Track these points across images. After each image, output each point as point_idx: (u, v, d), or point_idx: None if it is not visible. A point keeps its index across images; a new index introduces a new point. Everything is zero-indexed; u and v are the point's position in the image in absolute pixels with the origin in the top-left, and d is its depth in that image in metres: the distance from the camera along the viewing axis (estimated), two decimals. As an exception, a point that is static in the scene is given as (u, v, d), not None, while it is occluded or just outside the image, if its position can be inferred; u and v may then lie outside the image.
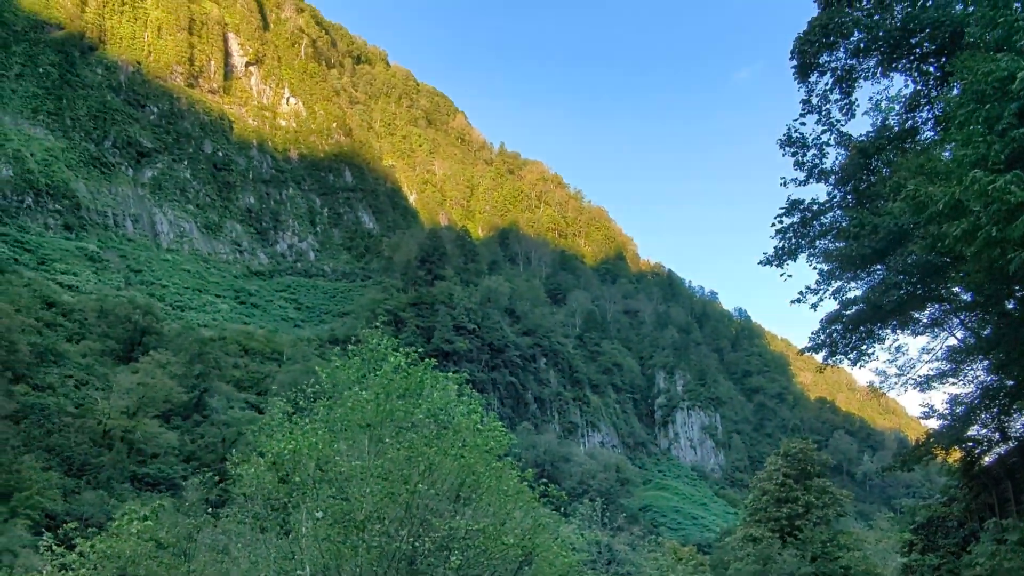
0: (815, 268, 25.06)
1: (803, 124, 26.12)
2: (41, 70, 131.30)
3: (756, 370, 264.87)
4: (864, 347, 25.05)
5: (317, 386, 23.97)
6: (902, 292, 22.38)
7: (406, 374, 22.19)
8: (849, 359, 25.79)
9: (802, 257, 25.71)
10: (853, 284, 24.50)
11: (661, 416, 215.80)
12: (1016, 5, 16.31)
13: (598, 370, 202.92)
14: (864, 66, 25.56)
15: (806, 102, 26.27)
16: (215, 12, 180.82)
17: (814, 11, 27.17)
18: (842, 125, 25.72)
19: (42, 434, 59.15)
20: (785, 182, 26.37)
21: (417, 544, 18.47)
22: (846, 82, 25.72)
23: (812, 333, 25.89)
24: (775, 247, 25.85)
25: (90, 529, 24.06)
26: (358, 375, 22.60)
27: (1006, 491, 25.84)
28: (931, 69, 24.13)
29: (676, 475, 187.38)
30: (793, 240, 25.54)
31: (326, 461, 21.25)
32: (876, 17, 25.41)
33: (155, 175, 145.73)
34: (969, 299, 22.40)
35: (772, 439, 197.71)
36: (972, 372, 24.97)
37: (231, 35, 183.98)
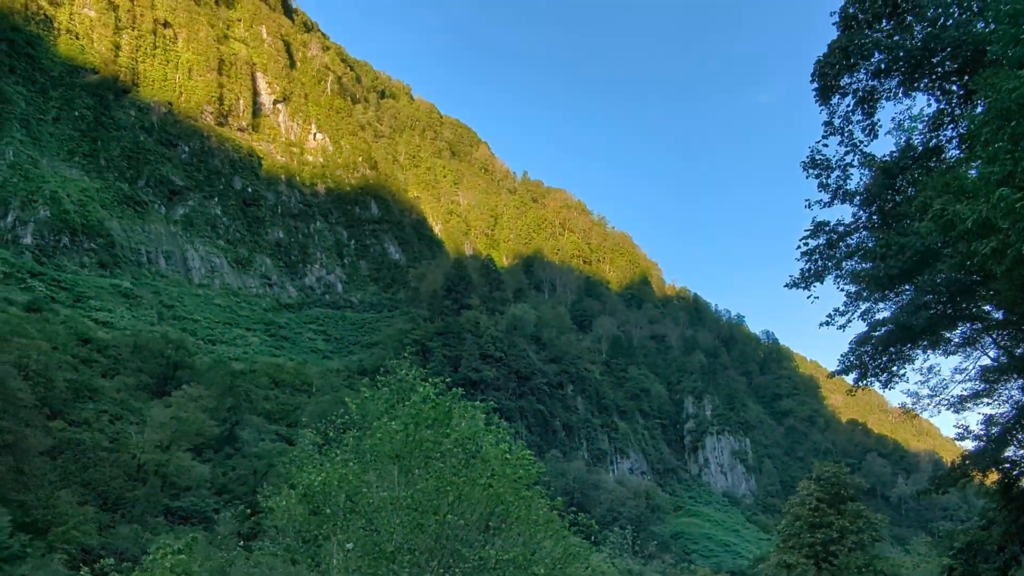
0: (842, 290, 24.86)
1: (826, 146, 26.09)
2: (77, 113, 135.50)
3: (786, 393, 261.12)
4: (895, 368, 24.67)
5: (346, 417, 24.18)
6: (932, 312, 22.08)
7: (434, 404, 22.29)
8: (880, 381, 25.39)
9: (829, 279, 25.51)
10: (881, 305, 24.24)
11: (690, 441, 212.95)
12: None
13: (625, 396, 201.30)
14: (886, 87, 25.50)
15: (828, 124, 26.24)
16: (243, 52, 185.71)
17: (831, 32, 27.26)
18: (865, 146, 25.64)
19: (78, 469, 59.95)
20: (810, 204, 26.30)
21: (447, 575, 18.41)
22: (868, 103, 25.66)
23: (841, 355, 25.60)
24: (801, 269, 25.71)
25: (125, 564, 24.34)
26: (387, 406, 22.77)
27: (1047, 514, 25.09)
28: (954, 88, 24.01)
29: (707, 501, 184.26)
30: (819, 262, 25.37)
31: (356, 492, 21.36)
32: (896, 38, 25.40)
33: (186, 212, 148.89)
34: (1001, 317, 22.03)
35: (804, 463, 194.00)
36: (1007, 392, 24.47)
37: (259, 74, 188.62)
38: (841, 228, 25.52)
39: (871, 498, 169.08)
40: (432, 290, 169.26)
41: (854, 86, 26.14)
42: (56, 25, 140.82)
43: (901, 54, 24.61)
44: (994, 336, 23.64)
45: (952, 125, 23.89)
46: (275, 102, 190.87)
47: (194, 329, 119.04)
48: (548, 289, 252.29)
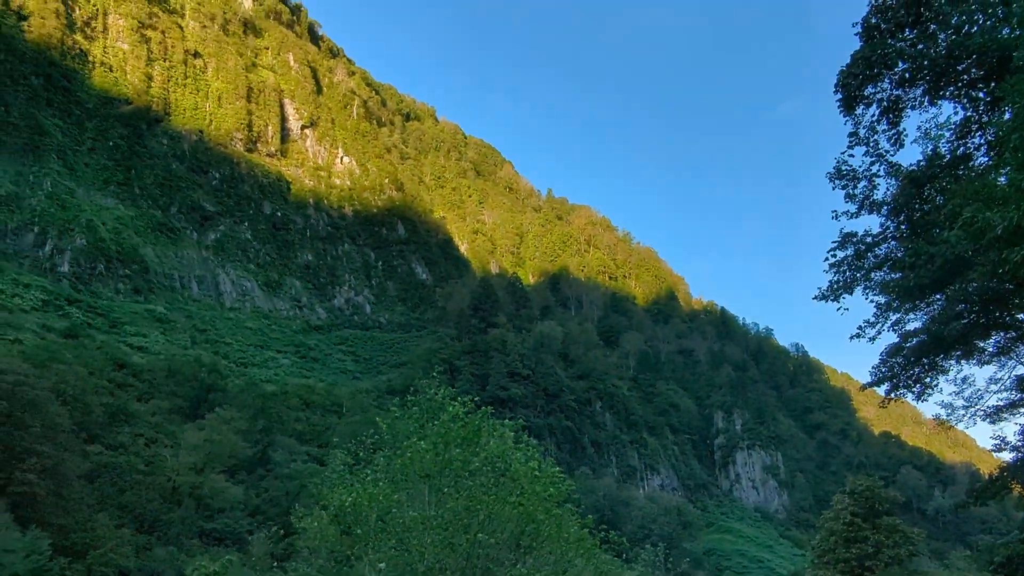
0: (872, 301, 24.55)
1: (851, 156, 25.87)
2: (111, 143, 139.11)
3: (817, 406, 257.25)
4: (928, 379, 24.26)
5: (377, 437, 24.37)
6: (964, 321, 21.73)
7: (463, 423, 22.39)
8: (912, 392, 24.97)
9: (858, 290, 25.21)
10: (912, 315, 23.88)
11: (721, 457, 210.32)
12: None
13: (654, 412, 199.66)
14: (911, 96, 25.29)
15: (853, 135, 26.04)
16: (271, 80, 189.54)
17: (853, 43, 27.14)
18: (891, 155, 25.38)
19: (115, 492, 60.92)
20: (837, 215, 26.07)
21: (479, 594, 18.43)
22: (893, 112, 25.44)
23: (873, 367, 25.26)
24: (830, 281, 25.44)
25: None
26: (416, 425, 22.92)
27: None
28: (980, 95, 23.76)
29: (739, 517, 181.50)
30: (848, 273, 25.10)
31: (387, 512, 21.51)
32: (920, 47, 25.21)
33: (218, 237, 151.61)
34: (1035, 325, 21.62)
35: (837, 477, 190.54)
36: (1044, 401, 23.91)
37: (287, 100, 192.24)
38: (869, 239, 25.25)
39: (907, 512, 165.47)
40: (459, 309, 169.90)
41: (878, 96, 25.93)
42: (91, 58, 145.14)
43: (925, 63, 24.41)
44: (1029, 345, 23.19)
45: (980, 132, 23.61)
46: (303, 127, 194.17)
47: (226, 352, 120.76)
48: (574, 306, 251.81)
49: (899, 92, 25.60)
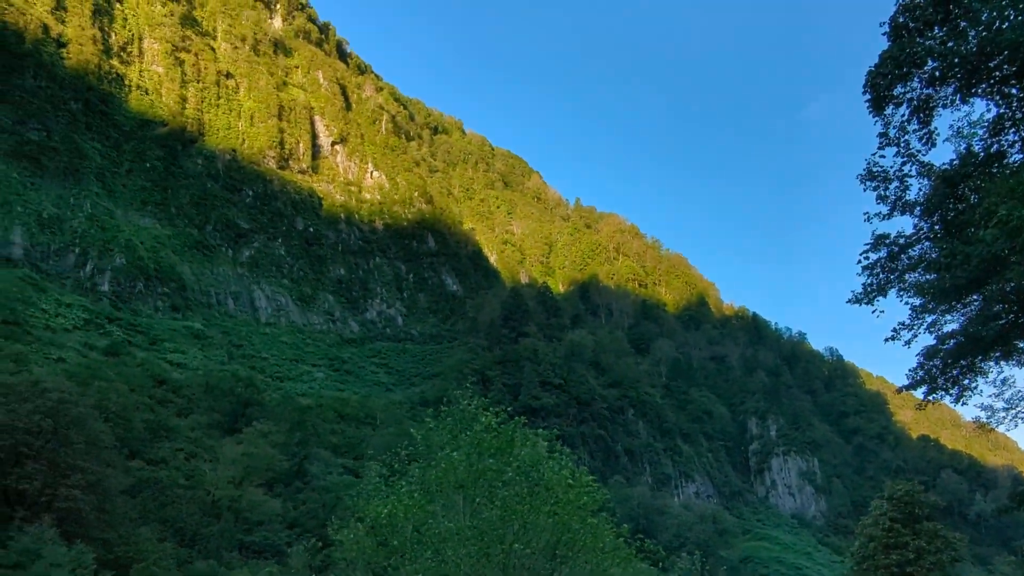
0: (906, 303, 24.15)
1: (882, 157, 25.53)
2: (148, 165, 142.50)
3: (852, 411, 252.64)
4: (966, 381, 23.75)
5: (411, 448, 24.58)
6: (1003, 322, 21.29)
7: (496, 433, 22.49)
8: (951, 395, 24.46)
9: (892, 293, 24.81)
10: (949, 317, 23.44)
11: (756, 463, 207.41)
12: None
13: (688, 419, 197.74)
14: (941, 94, 24.91)
15: (883, 135, 25.71)
16: (302, 98, 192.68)
17: (880, 43, 26.84)
18: (923, 155, 25.01)
19: (157, 506, 62.08)
20: (869, 217, 25.72)
21: (515, 603, 18.45)
22: (923, 112, 25.08)
23: (909, 370, 24.81)
24: (863, 284, 25.09)
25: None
26: (450, 436, 23.09)
27: None
28: (1013, 91, 23.35)
29: (776, 524, 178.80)
30: (881, 276, 24.72)
31: (422, 523, 21.67)
32: (950, 44, 24.87)
33: (252, 254, 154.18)
34: (1076, 324, 21.10)
35: (875, 482, 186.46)
36: (1087, 403, 23.27)
37: (317, 118, 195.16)
38: (903, 240, 24.87)
39: (948, 516, 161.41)
40: (490, 320, 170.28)
41: (908, 95, 25.58)
42: (127, 82, 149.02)
43: (956, 61, 24.04)
44: (1071, 345, 22.61)
45: (1014, 129, 23.19)
46: (333, 143, 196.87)
47: (262, 367, 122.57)
48: (605, 314, 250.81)
49: (930, 91, 25.21)
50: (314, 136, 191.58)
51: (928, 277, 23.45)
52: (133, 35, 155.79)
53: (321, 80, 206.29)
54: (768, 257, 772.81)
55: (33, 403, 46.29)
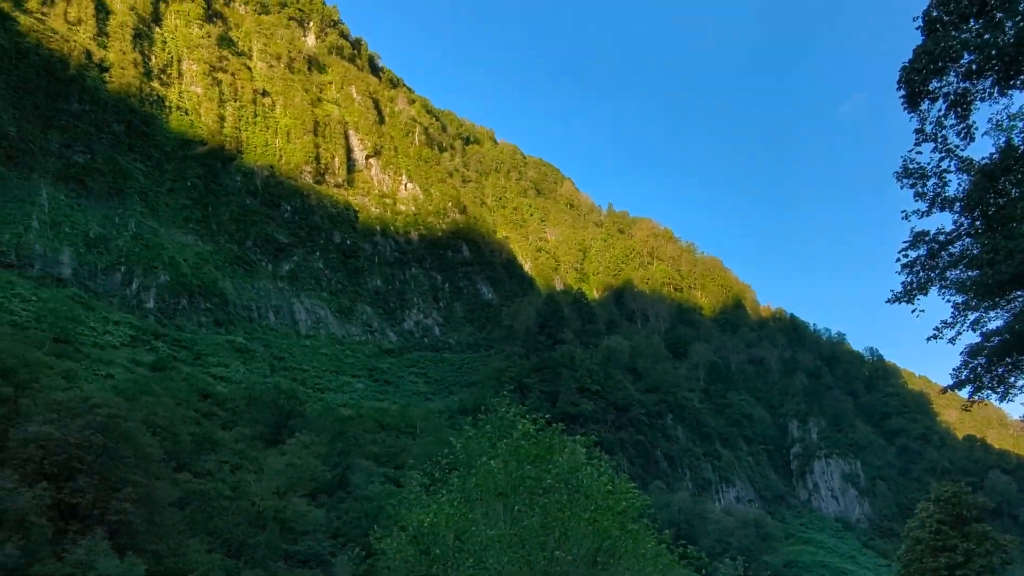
0: (948, 301, 23.66)
1: (919, 153, 25.09)
2: (189, 183, 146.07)
3: (895, 411, 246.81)
4: (1012, 379, 23.16)
5: (451, 457, 24.79)
6: (1050, 318, 20.79)
7: (535, 440, 22.60)
8: (996, 393, 23.86)
9: (933, 291, 24.36)
10: (993, 314, 22.90)
11: (797, 466, 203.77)
12: None
13: (727, 423, 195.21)
14: (979, 87, 24.42)
15: (919, 131, 25.27)
16: (336, 113, 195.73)
17: (914, 37, 26.45)
18: (961, 150, 24.53)
19: (204, 518, 63.24)
20: (907, 215, 25.27)
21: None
22: (960, 106, 24.60)
23: (953, 369, 24.29)
24: (903, 283, 24.66)
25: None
26: (489, 444, 23.25)
27: None
28: (1054, 82, 22.83)
29: (819, 528, 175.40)
30: (921, 273, 24.27)
31: (463, 531, 21.84)
32: (987, 36, 24.41)
33: (291, 268, 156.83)
34: None
35: (920, 483, 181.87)
36: None
37: (351, 132, 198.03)
38: (942, 237, 24.41)
39: (997, 518, 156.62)
40: (526, 327, 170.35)
41: (944, 90, 25.13)
42: (167, 103, 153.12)
43: (993, 53, 23.58)
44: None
45: (1055, 121, 22.67)
46: (367, 157, 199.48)
47: (303, 379, 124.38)
48: (640, 319, 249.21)
49: (966, 84, 24.73)
50: (349, 150, 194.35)
51: (970, 274, 22.98)
52: (172, 57, 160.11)
53: (354, 95, 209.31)
54: (804, 259, 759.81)
55: (84, 419, 47.64)
